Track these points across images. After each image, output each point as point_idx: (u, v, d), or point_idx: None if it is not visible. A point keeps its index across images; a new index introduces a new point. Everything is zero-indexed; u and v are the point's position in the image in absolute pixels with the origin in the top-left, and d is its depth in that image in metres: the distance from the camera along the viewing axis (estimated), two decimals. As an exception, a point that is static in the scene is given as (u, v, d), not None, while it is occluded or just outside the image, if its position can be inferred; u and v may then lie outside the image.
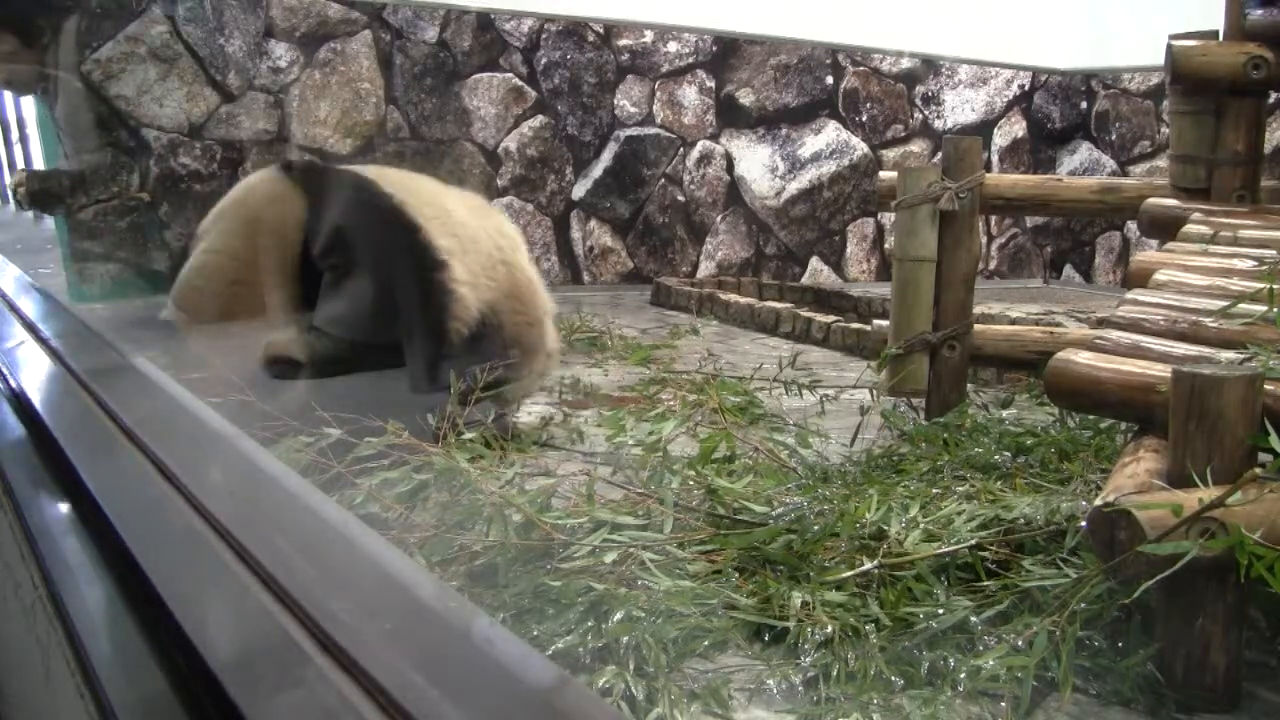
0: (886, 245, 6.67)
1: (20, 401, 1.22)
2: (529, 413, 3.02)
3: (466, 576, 1.79)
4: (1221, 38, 2.68)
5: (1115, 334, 1.89)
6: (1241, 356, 1.68)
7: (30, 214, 6.57)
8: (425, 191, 2.93)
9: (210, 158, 4.92)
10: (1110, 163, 6.96)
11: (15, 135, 6.59)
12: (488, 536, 1.84)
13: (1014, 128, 7.13)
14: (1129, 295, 2.04)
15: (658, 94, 6.05)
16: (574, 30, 5.81)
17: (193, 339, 3.03)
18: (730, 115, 6.25)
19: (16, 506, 0.94)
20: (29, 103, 4.71)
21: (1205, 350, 1.76)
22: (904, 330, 2.94)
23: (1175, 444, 1.53)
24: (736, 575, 1.82)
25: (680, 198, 6.18)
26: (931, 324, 2.93)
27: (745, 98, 6.28)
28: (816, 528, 1.87)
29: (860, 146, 6.61)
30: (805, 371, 3.29)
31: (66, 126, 4.38)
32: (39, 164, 4.76)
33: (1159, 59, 2.74)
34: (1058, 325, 3.76)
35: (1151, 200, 2.69)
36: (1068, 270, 7.27)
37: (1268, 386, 1.52)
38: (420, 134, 5.47)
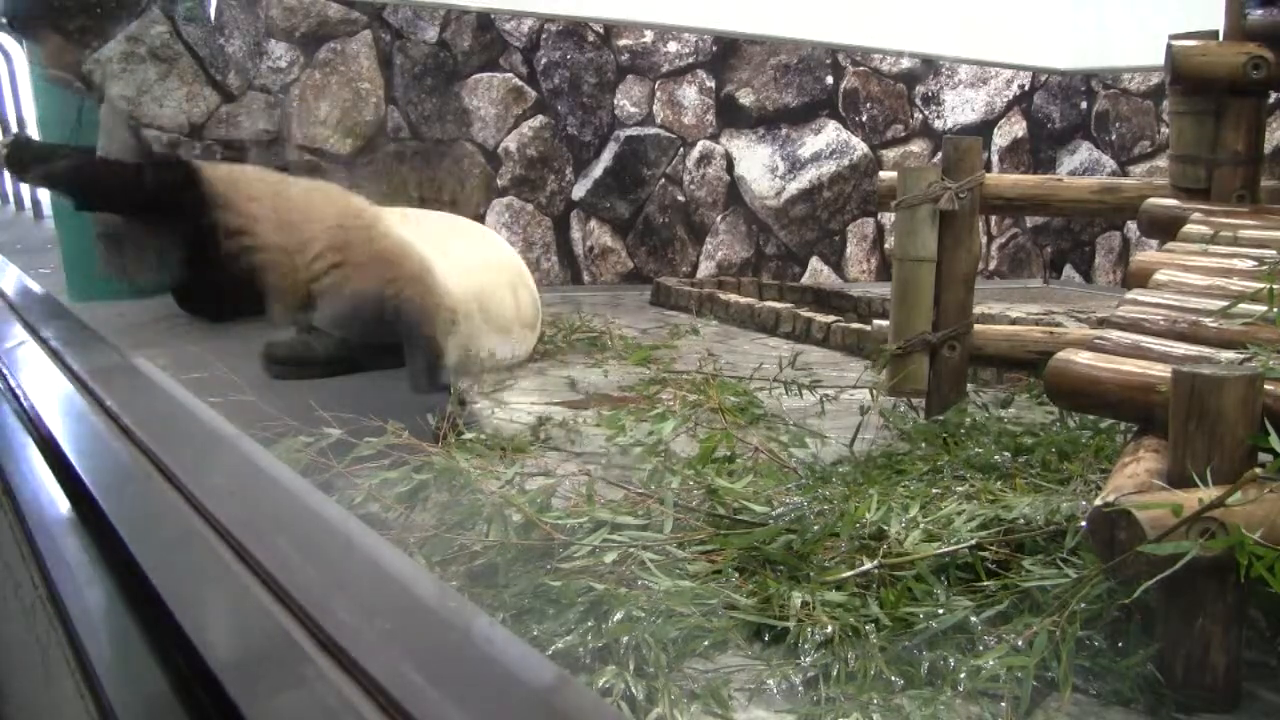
0: (886, 245, 6.67)
1: (20, 401, 1.22)
2: (528, 413, 3.02)
3: (466, 576, 1.79)
4: (1221, 38, 2.67)
5: (1115, 334, 1.89)
6: (1241, 356, 1.68)
7: (30, 213, 6.57)
8: (251, 173, 3.31)
9: (210, 158, 4.92)
10: (1110, 163, 6.96)
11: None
12: (488, 536, 1.84)
13: (1014, 128, 7.13)
14: (1129, 295, 2.04)
15: (658, 94, 6.06)
16: (574, 30, 5.81)
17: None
18: (730, 115, 6.25)
19: (16, 506, 0.94)
20: (28, 102, 4.72)
21: (1205, 350, 1.76)
22: (904, 330, 2.94)
23: (1175, 444, 1.53)
24: (736, 575, 1.82)
25: (680, 198, 6.18)
26: (931, 324, 2.92)
27: (745, 98, 6.28)
28: (816, 528, 1.87)
29: (860, 146, 6.61)
30: (805, 371, 3.29)
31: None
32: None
33: (1159, 59, 2.74)
34: (1058, 325, 3.76)
35: (1151, 200, 2.69)
36: (1068, 270, 7.27)
37: (1268, 386, 1.52)
38: (420, 134, 5.47)
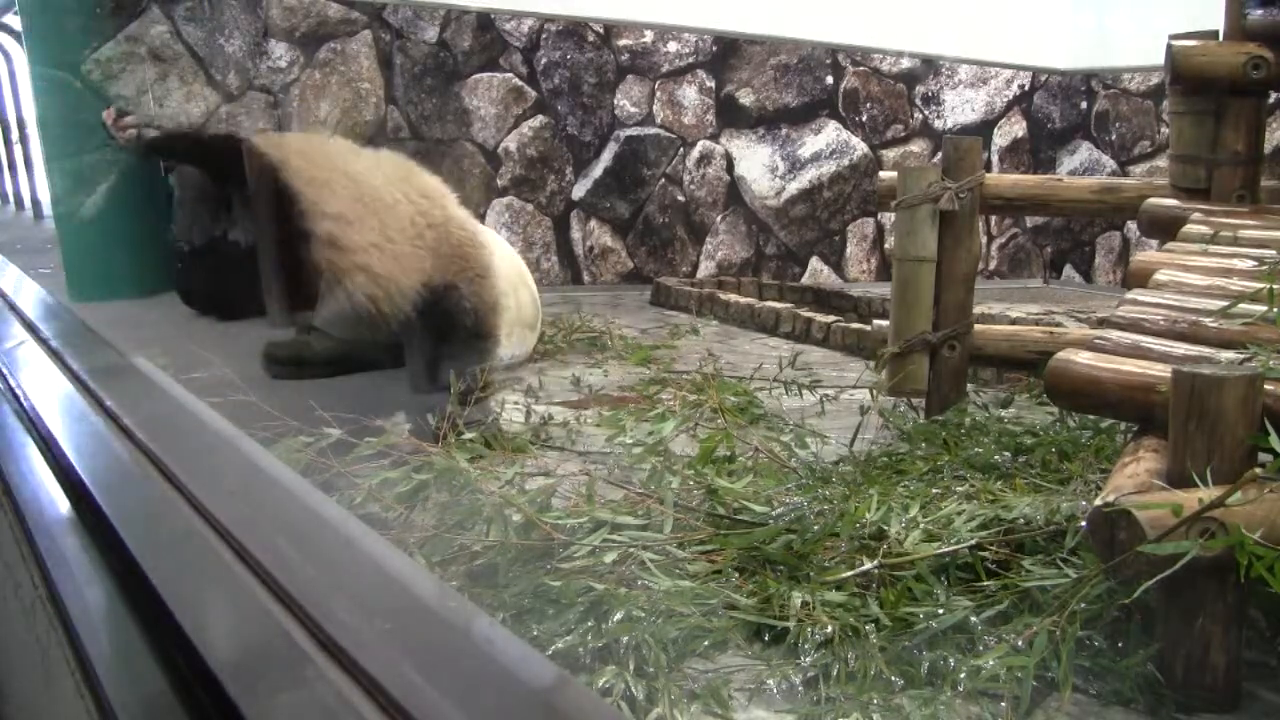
0: (886, 245, 6.67)
1: (20, 401, 1.22)
2: (528, 412, 3.02)
3: (466, 576, 1.79)
4: (1221, 38, 2.67)
5: (1115, 334, 1.89)
6: (1241, 356, 1.68)
7: (30, 213, 6.56)
8: (318, 155, 2.89)
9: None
10: (1110, 163, 6.96)
11: (15, 135, 6.60)
12: (488, 536, 1.84)
13: (1014, 128, 7.13)
14: (1129, 295, 2.04)
15: (658, 94, 6.05)
16: (574, 30, 5.81)
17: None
18: (730, 115, 6.25)
19: (16, 506, 0.94)
20: (29, 103, 4.73)
21: (1205, 350, 1.76)
22: (904, 330, 2.94)
23: (1175, 444, 1.53)
24: (736, 575, 1.82)
25: (680, 198, 6.18)
26: (931, 324, 2.92)
27: (745, 98, 6.28)
28: (816, 528, 1.87)
29: (860, 146, 6.61)
30: (805, 371, 3.29)
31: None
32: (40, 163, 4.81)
33: (1159, 59, 2.74)
34: (1058, 325, 3.76)
35: (1151, 200, 2.69)
36: (1068, 270, 7.27)
37: (1268, 386, 1.52)
38: (420, 134, 5.47)
